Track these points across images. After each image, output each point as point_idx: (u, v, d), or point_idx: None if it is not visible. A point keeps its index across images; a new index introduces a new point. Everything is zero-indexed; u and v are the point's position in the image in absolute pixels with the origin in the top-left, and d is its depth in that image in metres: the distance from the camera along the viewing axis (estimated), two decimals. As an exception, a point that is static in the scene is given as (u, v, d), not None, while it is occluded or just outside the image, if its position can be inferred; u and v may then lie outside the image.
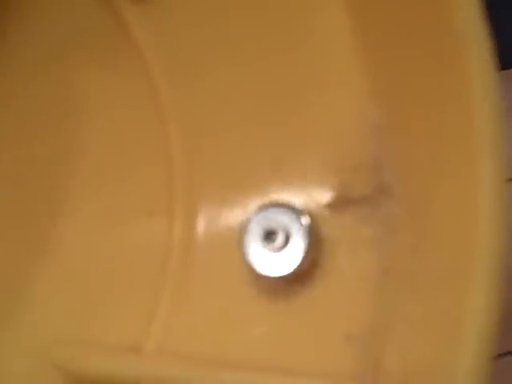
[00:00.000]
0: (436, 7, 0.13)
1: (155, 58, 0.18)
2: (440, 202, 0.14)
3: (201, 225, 0.17)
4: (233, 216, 0.16)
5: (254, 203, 0.16)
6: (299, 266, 0.15)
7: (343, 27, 0.17)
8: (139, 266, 0.18)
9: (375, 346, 0.15)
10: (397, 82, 0.16)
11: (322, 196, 0.16)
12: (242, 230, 0.15)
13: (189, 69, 0.18)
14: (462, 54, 0.13)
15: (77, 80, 0.19)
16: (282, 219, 0.16)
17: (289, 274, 0.15)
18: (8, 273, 0.19)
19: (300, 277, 0.16)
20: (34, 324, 0.18)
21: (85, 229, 0.19)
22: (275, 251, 0.15)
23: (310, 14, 0.17)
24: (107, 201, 0.18)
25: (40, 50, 0.19)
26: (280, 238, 0.15)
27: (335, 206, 0.16)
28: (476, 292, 0.12)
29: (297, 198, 0.16)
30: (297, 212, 0.16)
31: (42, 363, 0.17)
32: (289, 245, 0.15)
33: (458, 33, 0.13)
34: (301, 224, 0.15)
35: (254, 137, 0.17)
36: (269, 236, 0.15)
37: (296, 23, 0.17)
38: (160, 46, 0.18)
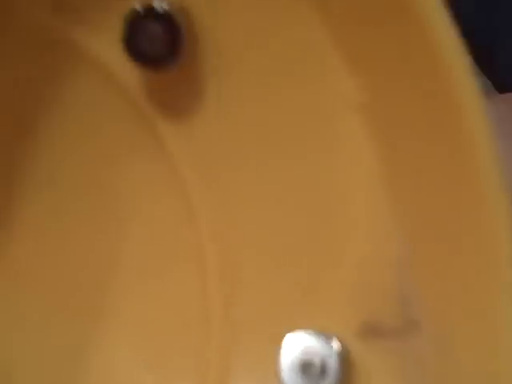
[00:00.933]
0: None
1: (188, 171, 0.19)
2: (464, 342, 0.15)
3: (237, 354, 0.18)
4: (267, 346, 0.17)
5: (286, 332, 0.17)
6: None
7: (369, 154, 0.18)
8: None
9: None
10: (420, 212, 0.17)
11: (352, 324, 0.17)
12: (278, 362, 0.16)
13: (223, 181, 0.19)
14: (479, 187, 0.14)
15: (122, 188, 0.20)
16: (315, 348, 0.17)
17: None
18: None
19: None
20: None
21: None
22: (312, 380, 0.16)
23: (336, 137, 0.18)
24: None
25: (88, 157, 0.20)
26: (317, 367, 0.16)
27: (365, 335, 0.17)
28: None
29: (327, 327, 0.17)
30: (329, 340, 0.17)
31: None
32: (325, 374, 0.16)
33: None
34: (334, 353, 0.16)
35: (282, 261, 0.18)
36: (306, 366, 0.16)
37: (321, 143, 0.18)
38: (193, 158, 0.19)
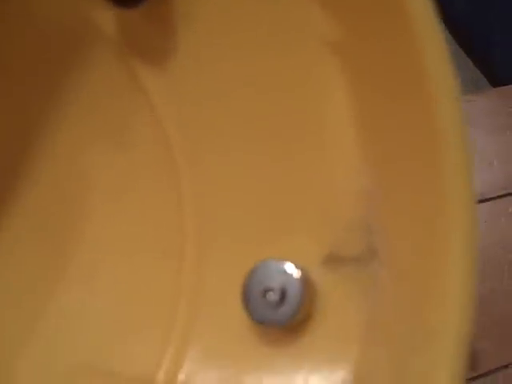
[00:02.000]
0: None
1: (165, 108, 0.20)
2: (416, 269, 0.16)
3: (208, 273, 0.19)
4: (236, 270, 0.18)
5: (255, 258, 0.18)
6: (294, 319, 0.17)
7: (341, 94, 0.18)
8: (152, 304, 0.20)
9: None
10: (387, 156, 0.18)
11: (317, 254, 0.18)
12: (243, 285, 0.17)
13: (200, 124, 0.20)
14: (440, 150, 0.15)
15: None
16: (279, 275, 0.17)
17: (285, 325, 0.17)
18: (25, 305, 0.21)
19: (295, 328, 0.18)
20: (52, 353, 0.20)
21: (103, 266, 0.21)
22: (274, 304, 0.17)
23: (310, 84, 0.19)
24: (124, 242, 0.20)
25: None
26: (277, 293, 0.17)
27: (328, 263, 0.18)
28: (445, 360, 0.14)
29: (293, 255, 0.18)
30: (293, 268, 0.18)
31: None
32: (286, 299, 0.17)
33: (440, 134, 0.15)
34: (296, 279, 0.17)
35: (255, 194, 0.19)
36: (268, 291, 0.17)
37: (295, 84, 0.19)
38: (172, 100, 0.20)
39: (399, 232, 0.17)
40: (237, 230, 0.19)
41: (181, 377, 0.18)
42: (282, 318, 0.17)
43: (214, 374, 0.18)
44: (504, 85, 0.45)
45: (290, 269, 0.18)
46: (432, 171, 0.15)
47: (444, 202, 0.15)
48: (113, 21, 0.19)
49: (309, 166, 0.19)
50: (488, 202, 0.40)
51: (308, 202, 0.19)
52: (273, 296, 0.17)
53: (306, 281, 0.17)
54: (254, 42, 0.18)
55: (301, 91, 0.18)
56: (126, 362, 0.19)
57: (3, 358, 0.20)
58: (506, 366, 0.32)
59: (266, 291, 0.17)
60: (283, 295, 0.17)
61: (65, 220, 0.20)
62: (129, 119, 0.20)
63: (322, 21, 0.17)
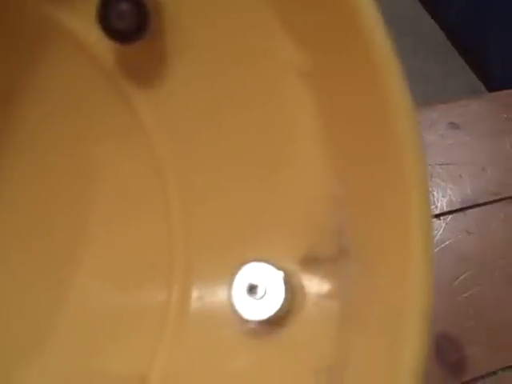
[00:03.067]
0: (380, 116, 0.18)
1: (157, 131, 0.22)
2: (383, 262, 0.18)
3: (196, 277, 0.21)
4: (222, 271, 0.20)
5: (239, 261, 0.20)
6: (276, 313, 0.19)
7: (310, 112, 0.21)
8: (142, 312, 0.22)
9: (337, 377, 0.19)
10: (352, 165, 0.20)
11: (295, 255, 0.20)
12: (230, 283, 0.20)
13: (187, 140, 0.22)
14: (400, 156, 0.17)
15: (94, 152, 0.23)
16: (262, 274, 0.20)
17: (268, 318, 0.19)
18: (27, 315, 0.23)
19: (277, 321, 0.19)
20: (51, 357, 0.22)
21: (95, 281, 0.22)
22: (257, 300, 0.19)
23: (280, 98, 0.21)
24: (116, 256, 0.22)
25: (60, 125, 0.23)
26: (261, 290, 0.19)
27: (305, 263, 0.20)
28: (408, 335, 0.16)
29: (274, 257, 0.20)
30: (274, 269, 0.20)
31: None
32: (268, 296, 0.19)
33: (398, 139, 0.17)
34: (277, 278, 0.19)
35: (238, 203, 0.21)
36: (252, 288, 0.19)
37: (269, 104, 0.21)
38: (161, 121, 0.22)
39: (367, 232, 0.19)
40: (223, 235, 0.21)
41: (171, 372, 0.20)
42: (264, 313, 0.19)
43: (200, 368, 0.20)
44: (501, 89, 0.47)
45: (272, 269, 0.20)
46: (392, 175, 0.18)
47: (403, 203, 0.17)
48: (107, 47, 0.22)
49: (284, 178, 0.21)
50: (480, 207, 0.42)
51: (285, 210, 0.21)
52: (257, 293, 0.19)
53: (285, 279, 0.20)
54: (234, 69, 0.21)
55: (276, 112, 0.21)
56: (119, 363, 0.21)
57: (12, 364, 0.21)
58: (495, 372, 0.34)
59: (251, 289, 0.19)
60: (266, 292, 0.19)
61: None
62: (120, 138, 0.23)
63: (295, 51, 0.20)
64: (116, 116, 0.22)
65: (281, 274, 0.20)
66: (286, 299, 0.19)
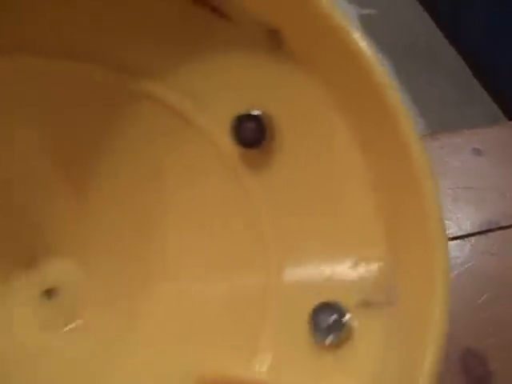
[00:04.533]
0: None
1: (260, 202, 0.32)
2: (415, 307, 0.27)
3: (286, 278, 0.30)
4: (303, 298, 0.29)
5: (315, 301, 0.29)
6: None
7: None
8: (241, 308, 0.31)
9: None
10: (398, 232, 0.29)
11: (355, 300, 0.29)
12: (310, 316, 0.29)
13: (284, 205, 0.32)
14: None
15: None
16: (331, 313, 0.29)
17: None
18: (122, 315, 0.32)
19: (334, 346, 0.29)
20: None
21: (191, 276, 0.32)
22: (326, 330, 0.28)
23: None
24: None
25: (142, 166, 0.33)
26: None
27: (361, 306, 0.29)
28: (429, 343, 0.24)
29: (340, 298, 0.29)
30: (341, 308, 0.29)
31: None
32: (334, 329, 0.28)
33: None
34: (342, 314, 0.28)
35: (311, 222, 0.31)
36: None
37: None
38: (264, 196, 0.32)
39: (407, 286, 0.28)
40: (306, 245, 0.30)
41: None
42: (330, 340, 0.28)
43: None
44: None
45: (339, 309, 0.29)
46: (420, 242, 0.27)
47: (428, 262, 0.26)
48: (231, 147, 0.31)
49: (347, 251, 0.30)
50: (501, 231, 0.46)
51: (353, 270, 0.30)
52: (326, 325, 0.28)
53: (348, 318, 0.29)
54: (316, 166, 0.30)
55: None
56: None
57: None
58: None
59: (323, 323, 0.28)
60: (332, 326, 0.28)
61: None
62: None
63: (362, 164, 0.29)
64: (226, 188, 0.32)
65: (344, 311, 0.29)
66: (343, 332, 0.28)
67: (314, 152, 0.31)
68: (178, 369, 0.32)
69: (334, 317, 0.28)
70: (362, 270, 0.29)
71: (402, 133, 0.26)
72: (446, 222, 0.26)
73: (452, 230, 0.46)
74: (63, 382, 0.32)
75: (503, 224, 0.46)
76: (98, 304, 0.34)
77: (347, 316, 0.28)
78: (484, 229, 0.47)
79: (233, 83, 0.30)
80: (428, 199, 0.26)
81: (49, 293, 0.33)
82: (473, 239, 0.45)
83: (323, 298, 0.29)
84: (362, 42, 0.26)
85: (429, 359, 0.24)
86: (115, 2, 0.29)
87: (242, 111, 0.30)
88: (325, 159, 0.30)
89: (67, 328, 0.33)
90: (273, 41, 0.29)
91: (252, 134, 0.30)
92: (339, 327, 0.28)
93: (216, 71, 0.30)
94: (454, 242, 0.45)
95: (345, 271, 0.30)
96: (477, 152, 0.52)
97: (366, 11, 1.81)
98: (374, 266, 0.29)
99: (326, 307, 0.29)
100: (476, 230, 0.45)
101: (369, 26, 1.71)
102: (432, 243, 0.26)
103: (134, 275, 0.33)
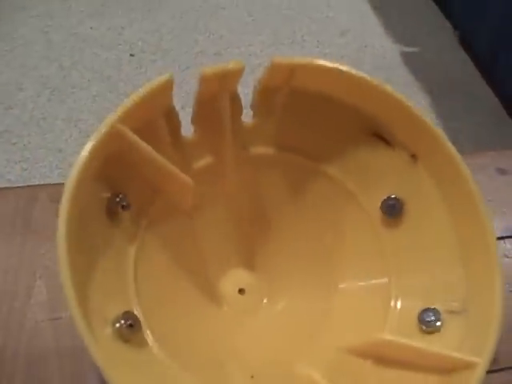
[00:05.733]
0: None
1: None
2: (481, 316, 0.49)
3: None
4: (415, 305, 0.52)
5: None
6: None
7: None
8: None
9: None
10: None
11: (444, 307, 0.51)
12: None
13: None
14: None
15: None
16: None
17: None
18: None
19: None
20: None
21: None
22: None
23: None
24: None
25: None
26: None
27: (449, 312, 0.51)
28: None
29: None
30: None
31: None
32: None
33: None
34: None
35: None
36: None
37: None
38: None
39: (475, 298, 0.50)
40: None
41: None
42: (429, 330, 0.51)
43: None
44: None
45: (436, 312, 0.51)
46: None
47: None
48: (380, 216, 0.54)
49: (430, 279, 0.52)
50: None
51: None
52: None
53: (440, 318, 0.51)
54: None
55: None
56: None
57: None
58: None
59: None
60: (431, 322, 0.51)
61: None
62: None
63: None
64: (369, 239, 0.54)
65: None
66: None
67: (428, 228, 0.53)
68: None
69: (433, 317, 0.51)
70: (450, 294, 0.51)
71: (488, 235, 0.48)
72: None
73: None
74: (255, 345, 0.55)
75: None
76: (273, 300, 0.57)
77: (440, 316, 0.51)
78: (504, 235, 0.61)
79: (383, 179, 0.54)
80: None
81: (241, 291, 0.57)
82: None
83: (427, 305, 0.51)
84: (466, 170, 0.49)
85: (491, 343, 0.45)
86: (331, 113, 0.52)
87: (386, 196, 0.53)
88: (433, 234, 0.52)
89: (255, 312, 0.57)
90: (412, 159, 0.52)
91: (392, 209, 0.53)
92: (435, 322, 0.51)
93: (375, 170, 0.53)
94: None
95: (440, 294, 0.52)
96: (501, 171, 0.65)
97: (408, 49, 2.01)
98: (458, 292, 0.51)
99: (428, 310, 0.51)
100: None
101: (410, 64, 1.92)
102: (493, 270, 0.48)
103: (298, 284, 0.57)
